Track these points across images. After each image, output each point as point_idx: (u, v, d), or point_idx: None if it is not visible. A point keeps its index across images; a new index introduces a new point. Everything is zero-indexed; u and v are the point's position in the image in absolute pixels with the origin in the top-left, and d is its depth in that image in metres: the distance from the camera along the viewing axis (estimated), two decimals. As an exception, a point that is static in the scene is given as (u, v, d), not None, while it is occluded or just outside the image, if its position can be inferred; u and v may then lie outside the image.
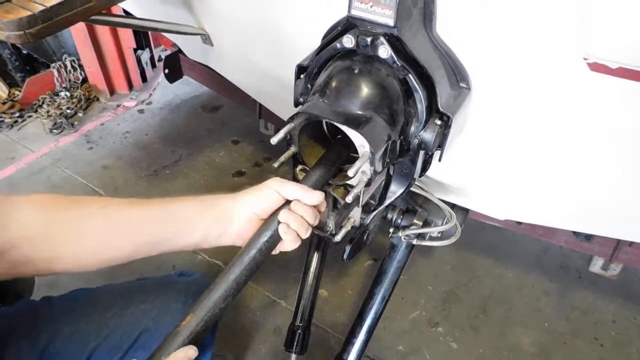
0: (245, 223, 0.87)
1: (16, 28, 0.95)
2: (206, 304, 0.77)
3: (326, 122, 0.96)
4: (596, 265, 1.70)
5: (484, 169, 1.17)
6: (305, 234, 0.86)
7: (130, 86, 3.17)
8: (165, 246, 0.86)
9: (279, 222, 0.84)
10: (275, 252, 0.88)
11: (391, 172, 1.03)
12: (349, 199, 0.85)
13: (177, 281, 1.23)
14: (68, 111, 2.94)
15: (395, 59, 0.84)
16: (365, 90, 0.86)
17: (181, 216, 0.86)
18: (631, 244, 1.49)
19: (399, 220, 1.41)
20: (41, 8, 0.96)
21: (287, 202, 0.86)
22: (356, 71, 0.87)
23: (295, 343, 1.58)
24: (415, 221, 1.40)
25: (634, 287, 2.05)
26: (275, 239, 0.84)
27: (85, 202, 0.85)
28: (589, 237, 1.54)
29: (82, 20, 1.09)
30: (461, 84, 0.95)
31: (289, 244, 0.86)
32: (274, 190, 0.86)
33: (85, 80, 3.15)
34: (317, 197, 0.86)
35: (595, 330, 1.90)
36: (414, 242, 1.44)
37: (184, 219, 0.86)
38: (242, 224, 0.87)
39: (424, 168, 1.02)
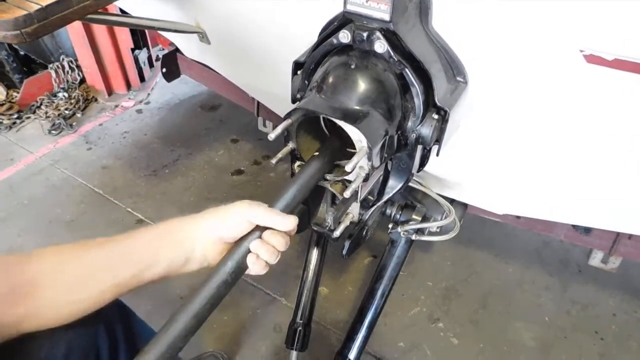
0: (210, 247, 0.82)
1: (12, 27, 0.95)
2: (163, 342, 0.69)
3: (324, 118, 0.96)
4: (595, 259, 1.70)
5: (483, 163, 1.17)
6: (274, 261, 0.81)
7: (129, 86, 3.17)
8: (131, 285, 0.80)
9: (249, 251, 0.79)
10: None
11: (389, 168, 1.03)
12: (346, 194, 0.85)
13: None
14: (66, 112, 2.94)
15: (392, 54, 0.84)
16: (362, 85, 0.86)
17: (141, 250, 0.81)
18: (630, 236, 1.49)
19: (398, 216, 1.41)
20: (37, 7, 0.96)
21: (257, 228, 0.80)
22: (353, 66, 0.87)
23: (296, 340, 1.59)
24: (414, 216, 1.40)
25: (633, 280, 2.05)
26: (243, 269, 0.80)
27: (39, 255, 0.80)
28: (588, 231, 1.54)
29: (79, 19, 1.09)
30: (458, 78, 0.95)
31: (256, 271, 0.81)
32: (242, 216, 0.80)
33: (83, 80, 3.15)
34: (291, 222, 0.80)
35: (595, 324, 1.90)
36: (413, 237, 1.45)
37: (144, 253, 0.81)
38: (207, 248, 0.82)
39: (422, 163, 1.02)
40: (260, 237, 0.79)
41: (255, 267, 0.80)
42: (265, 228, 0.80)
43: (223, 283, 0.76)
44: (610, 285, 2.02)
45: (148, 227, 0.84)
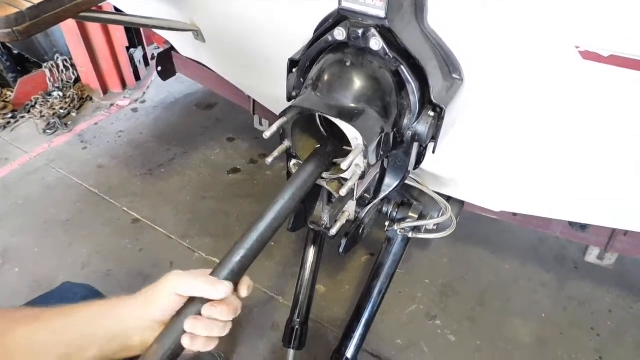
0: (148, 333, 0.73)
1: (4, 26, 0.93)
2: None
3: (319, 116, 0.96)
4: (592, 255, 1.70)
5: (479, 161, 1.17)
6: (223, 333, 0.72)
7: (124, 85, 3.15)
8: None
9: (183, 332, 0.70)
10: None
11: (385, 165, 1.03)
12: (343, 192, 0.84)
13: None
14: (61, 111, 2.92)
15: (387, 51, 0.83)
16: (357, 82, 0.85)
17: (69, 336, 0.73)
18: (626, 232, 1.49)
19: (395, 214, 1.41)
20: (29, 5, 0.95)
21: (191, 301, 0.72)
22: (348, 64, 0.86)
23: (293, 339, 1.59)
24: (410, 214, 1.40)
25: (630, 276, 2.06)
26: (177, 353, 0.71)
27: None
28: (584, 227, 1.54)
29: (72, 17, 1.08)
30: (454, 75, 0.94)
31: (198, 348, 0.71)
32: (170, 290, 0.72)
33: (78, 79, 3.13)
34: (223, 289, 0.71)
35: (592, 320, 1.91)
36: (410, 235, 1.45)
37: (73, 340, 0.73)
38: (144, 334, 0.73)
39: (418, 160, 1.02)
40: (198, 311, 0.71)
41: (196, 347, 0.70)
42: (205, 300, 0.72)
43: None
44: (606, 281, 2.03)
45: (81, 309, 0.77)
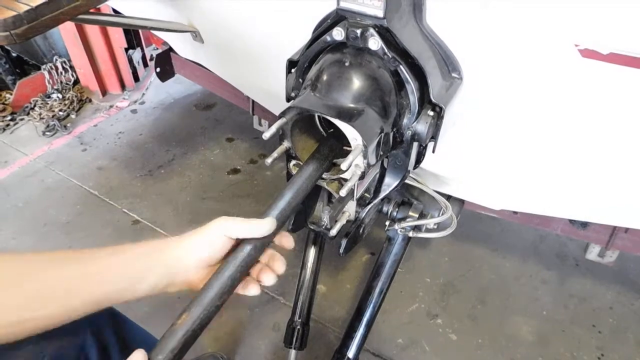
0: (192, 272, 0.79)
1: (1, 29, 0.93)
2: (202, 301, 0.74)
3: (319, 116, 0.96)
4: (592, 253, 1.70)
5: (479, 159, 1.17)
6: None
7: (123, 86, 3.15)
8: (104, 305, 0.78)
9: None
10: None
11: (385, 165, 1.03)
12: (342, 192, 0.84)
13: None
14: (60, 113, 2.92)
15: (386, 51, 0.83)
16: (356, 82, 0.85)
17: (119, 273, 0.77)
18: (627, 230, 1.49)
19: (395, 213, 1.41)
20: (26, 8, 0.95)
21: (241, 244, 0.78)
22: (347, 64, 0.86)
23: (294, 339, 1.59)
24: (411, 213, 1.40)
25: (630, 273, 2.06)
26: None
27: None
28: (584, 225, 1.54)
29: (69, 20, 1.08)
30: (453, 74, 0.94)
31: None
32: (220, 233, 0.77)
33: (76, 81, 3.13)
34: (266, 226, 0.78)
35: (593, 317, 1.91)
36: (411, 234, 1.45)
37: (123, 276, 0.77)
38: (189, 272, 0.79)
39: (418, 160, 1.02)
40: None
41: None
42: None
43: (253, 248, 0.78)
44: (607, 278, 2.03)
45: (130, 245, 0.81)
